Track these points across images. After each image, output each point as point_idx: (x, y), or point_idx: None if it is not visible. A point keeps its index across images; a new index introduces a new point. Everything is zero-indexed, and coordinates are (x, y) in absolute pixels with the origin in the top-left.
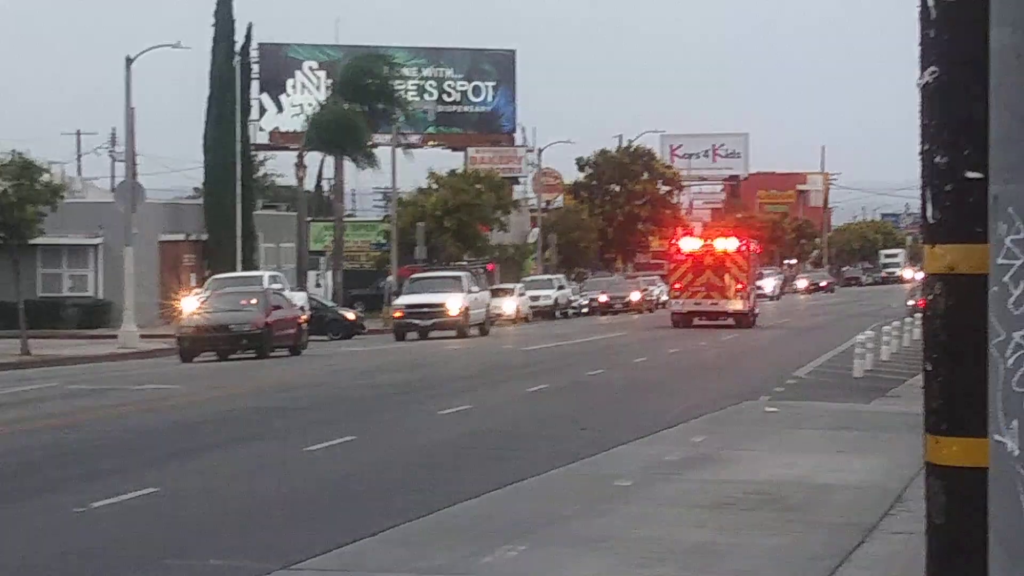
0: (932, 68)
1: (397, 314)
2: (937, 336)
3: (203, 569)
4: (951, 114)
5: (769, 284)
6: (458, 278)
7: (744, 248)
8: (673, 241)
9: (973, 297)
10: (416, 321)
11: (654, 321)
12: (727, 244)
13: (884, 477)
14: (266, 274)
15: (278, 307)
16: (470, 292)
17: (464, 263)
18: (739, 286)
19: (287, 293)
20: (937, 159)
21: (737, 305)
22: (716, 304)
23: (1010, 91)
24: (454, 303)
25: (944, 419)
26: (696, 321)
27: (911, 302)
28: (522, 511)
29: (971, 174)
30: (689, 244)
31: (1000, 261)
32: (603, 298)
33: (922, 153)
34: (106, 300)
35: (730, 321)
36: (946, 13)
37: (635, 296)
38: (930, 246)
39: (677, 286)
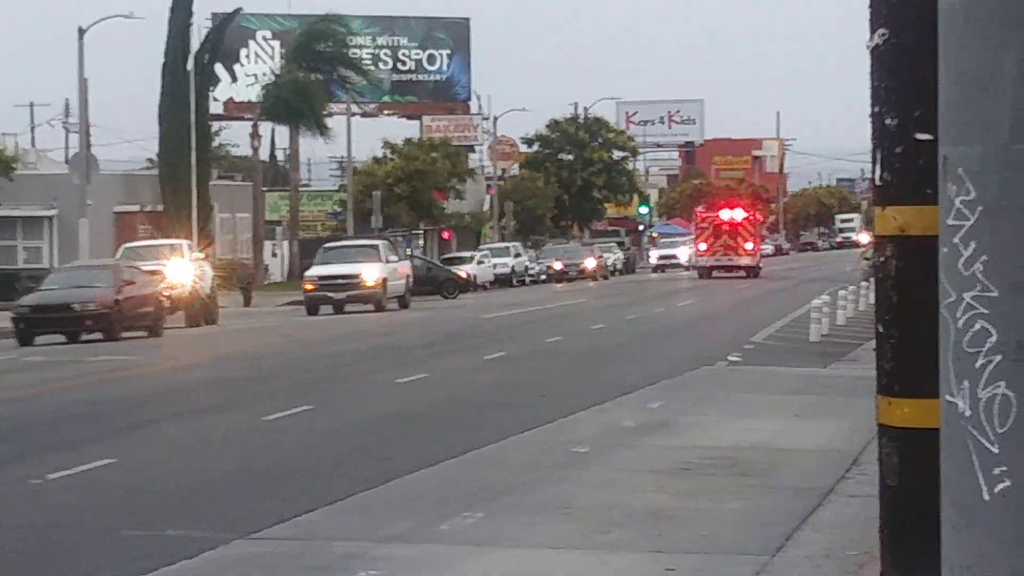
0: (882, 30)
1: (308, 287)
2: (889, 298)
3: (160, 539)
4: (901, 76)
5: (684, 253)
6: (375, 247)
7: (750, 216)
8: (700, 210)
9: (924, 258)
10: (330, 294)
11: (610, 288)
12: (735, 214)
13: (841, 441)
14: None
15: (130, 282)
16: (388, 262)
17: (420, 231)
18: (748, 246)
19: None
20: (887, 121)
21: (747, 261)
22: (732, 260)
23: (959, 53)
24: (371, 274)
25: (896, 380)
26: (716, 274)
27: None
28: (480, 479)
29: (921, 136)
30: (708, 215)
31: (950, 222)
32: (558, 265)
33: (872, 115)
34: None
35: (742, 273)
36: None
37: (590, 263)
38: (880, 208)
39: (703, 247)
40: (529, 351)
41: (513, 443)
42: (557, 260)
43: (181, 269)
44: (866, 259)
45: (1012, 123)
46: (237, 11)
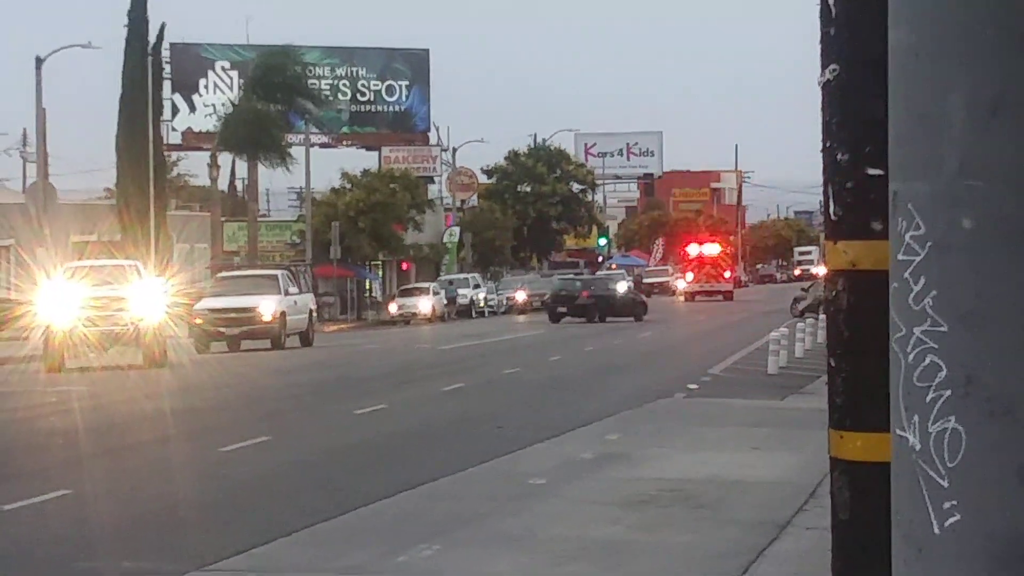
0: (833, 66)
1: (197, 321)
2: (840, 332)
3: (115, 571)
4: (852, 112)
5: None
6: (273, 277)
7: (725, 250)
8: (684, 248)
9: (875, 293)
10: (222, 329)
11: (569, 319)
12: (713, 249)
13: (798, 473)
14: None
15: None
16: (287, 294)
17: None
18: (727, 274)
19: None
20: (839, 156)
21: (724, 287)
22: (712, 286)
23: (908, 90)
24: (267, 307)
25: (847, 414)
26: (699, 297)
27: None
28: (437, 510)
29: (872, 171)
30: (694, 250)
31: (900, 257)
32: (521, 296)
33: (824, 150)
34: None
35: (719, 297)
36: (846, 12)
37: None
38: (832, 242)
39: (690, 277)
40: (487, 382)
41: (470, 475)
42: (521, 290)
43: (144, 296)
44: (803, 290)
45: (961, 160)
46: (163, 27)
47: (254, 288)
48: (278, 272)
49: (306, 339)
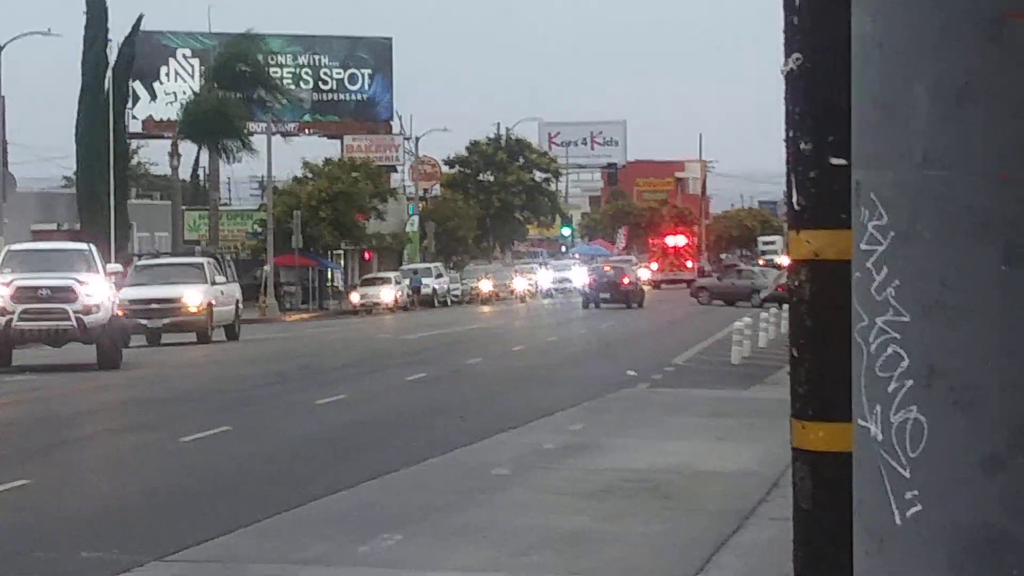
0: (796, 55)
1: (119, 312)
2: (803, 322)
3: (74, 561)
4: (815, 101)
5: (580, 277)
6: (199, 266)
7: (689, 242)
8: (661, 239)
9: (838, 283)
10: (143, 321)
11: (533, 309)
12: (679, 240)
13: (761, 464)
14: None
15: None
16: (214, 284)
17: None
18: (689, 264)
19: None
20: (802, 145)
21: (688, 276)
22: (676, 275)
23: (871, 79)
24: (194, 297)
25: (810, 404)
26: (663, 286)
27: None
28: (399, 501)
29: (835, 160)
30: (666, 241)
31: (863, 247)
32: (486, 286)
33: (787, 140)
34: None
35: (683, 285)
36: (809, 0)
37: (518, 284)
38: (795, 232)
39: (655, 267)
40: (450, 372)
41: (433, 465)
42: (485, 279)
43: (95, 286)
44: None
45: (924, 150)
46: (140, 18)
47: (178, 277)
48: (203, 260)
49: (232, 332)
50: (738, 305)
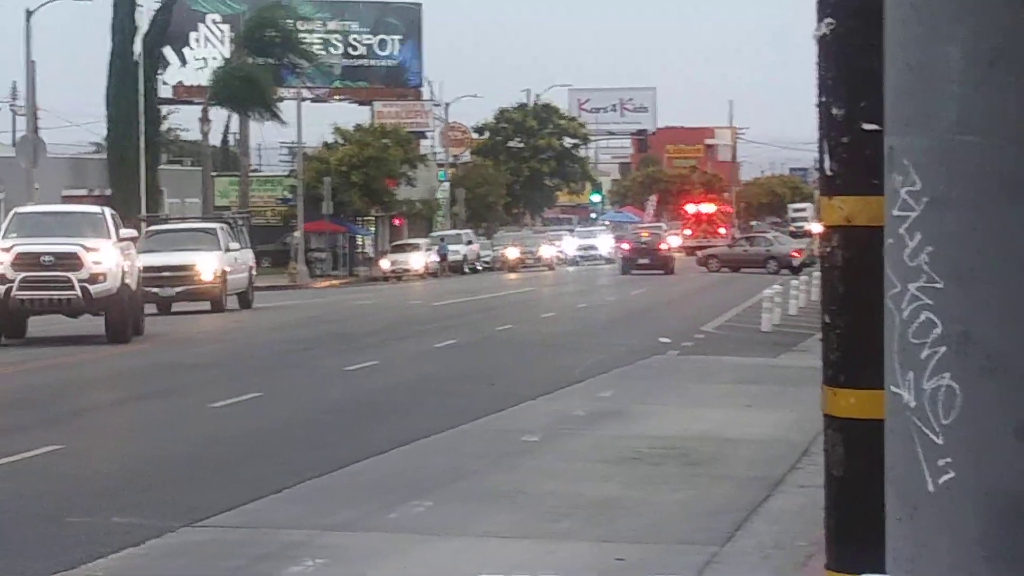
0: (828, 19)
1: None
2: (835, 288)
3: (105, 526)
4: (847, 66)
5: (605, 244)
6: (212, 231)
7: (719, 210)
8: (685, 207)
9: (870, 249)
10: (155, 289)
11: (561, 276)
12: (710, 208)
13: (791, 431)
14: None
15: None
16: (228, 251)
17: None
18: (722, 231)
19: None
20: (834, 111)
21: (720, 242)
22: (710, 241)
23: (904, 42)
24: (208, 265)
25: (841, 371)
26: (698, 253)
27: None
28: (429, 467)
29: (867, 126)
30: (692, 208)
31: (895, 213)
32: (514, 253)
33: (819, 105)
34: None
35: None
36: None
37: (546, 251)
38: (827, 198)
39: (688, 232)
40: (479, 339)
41: (463, 431)
42: (512, 246)
43: (104, 253)
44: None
45: (958, 115)
46: None
47: (191, 243)
48: (217, 225)
49: (245, 301)
50: (742, 271)
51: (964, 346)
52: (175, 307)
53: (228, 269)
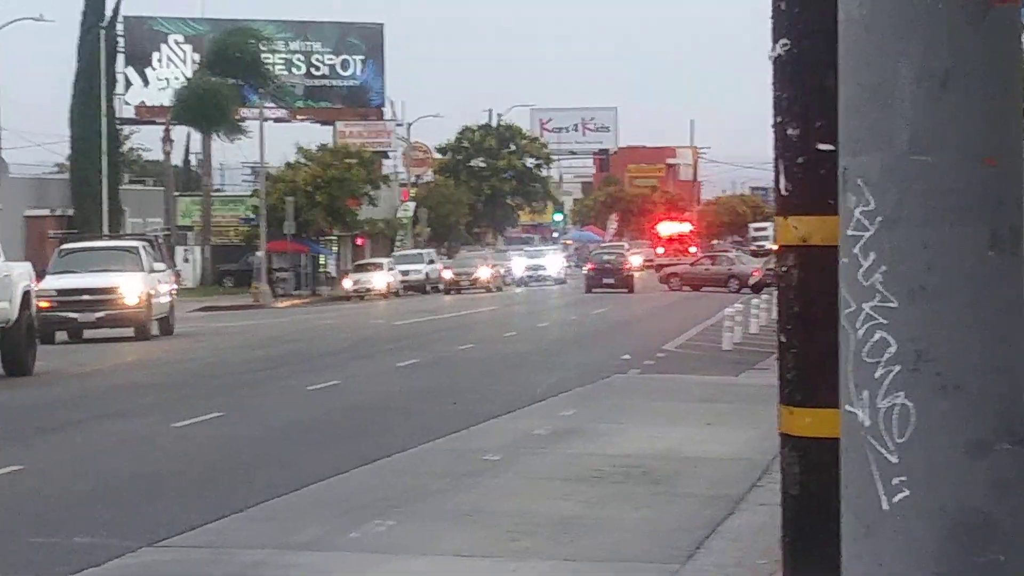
0: (783, 40)
1: (43, 304)
2: (791, 308)
3: (68, 546)
4: (802, 86)
5: (555, 264)
6: (134, 250)
7: (692, 230)
8: (654, 226)
9: (825, 268)
10: (73, 314)
11: (522, 296)
12: (683, 227)
13: (752, 449)
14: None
15: None
16: (152, 271)
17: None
18: (692, 250)
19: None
20: (789, 131)
21: (690, 260)
22: (679, 260)
23: (858, 63)
24: (131, 287)
25: (798, 390)
26: (667, 270)
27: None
28: (390, 486)
29: (822, 146)
30: (666, 228)
31: (850, 232)
32: (485, 273)
33: (775, 125)
34: None
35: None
36: None
37: (483, 273)
38: (783, 218)
39: (661, 251)
40: (441, 358)
41: (425, 451)
42: (483, 265)
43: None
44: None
45: (910, 134)
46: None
47: (112, 263)
48: (138, 244)
49: (167, 326)
50: (703, 290)
51: (918, 365)
52: (87, 334)
53: (153, 292)
